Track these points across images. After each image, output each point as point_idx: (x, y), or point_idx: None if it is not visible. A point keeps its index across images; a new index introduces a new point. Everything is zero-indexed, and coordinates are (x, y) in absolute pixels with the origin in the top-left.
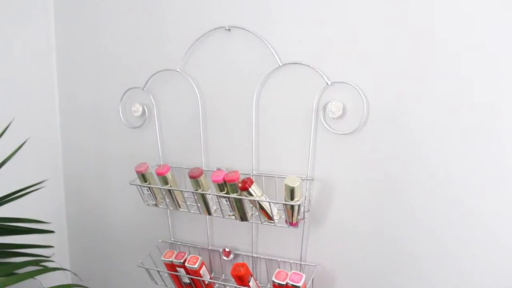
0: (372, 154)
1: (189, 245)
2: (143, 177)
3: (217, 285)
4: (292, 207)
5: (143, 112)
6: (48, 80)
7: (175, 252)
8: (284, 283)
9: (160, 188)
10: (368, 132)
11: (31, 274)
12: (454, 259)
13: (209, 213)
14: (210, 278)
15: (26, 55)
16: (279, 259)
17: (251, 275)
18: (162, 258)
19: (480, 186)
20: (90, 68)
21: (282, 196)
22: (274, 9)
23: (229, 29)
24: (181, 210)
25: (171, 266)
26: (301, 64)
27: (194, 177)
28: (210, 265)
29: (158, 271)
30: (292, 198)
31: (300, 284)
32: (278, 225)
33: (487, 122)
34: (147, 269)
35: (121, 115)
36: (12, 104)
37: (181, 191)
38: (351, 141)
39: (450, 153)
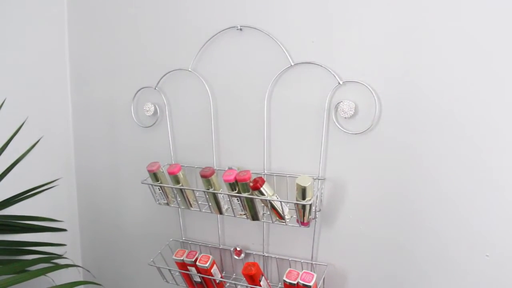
0: (384, 154)
1: (200, 244)
2: (154, 176)
3: (228, 284)
4: (304, 206)
5: (155, 112)
6: (61, 80)
7: (186, 251)
8: (295, 282)
9: (171, 187)
10: (380, 132)
11: (43, 271)
12: (467, 260)
13: (221, 212)
14: (221, 277)
15: (39, 55)
16: (290, 259)
17: (262, 275)
18: (173, 257)
19: (493, 186)
20: (103, 68)
21: (293, 195)
22: (286, 9)
23: (241, 29)
24: (192, 209)
25: (182, 265)
26: (313, 63)
27: (206, 177)
28: (221, 264)
29: (169, 270)
30: (303, 197)
31: (311, 284)
32: (289, 224)
33: (503, 122)
34: (158, 268)
35: (133, 115)
36: (25, 103)
37: (193, 190)
38: (363, 141)
39: (463, 153)
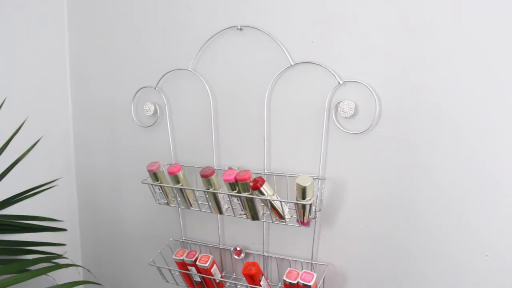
0: (384, 153)
1: (200, 243)
2: (154, 176)
3: (228, 284)
4: (304, 206)
5: (155, 111)
6: (61, 80)
7: (186, 251)
8: (295, 282)
9: (171, 187)
10: (380, 132)
11: (43, 271)
12: (466, 260)
13: (221, 212)
14: (221, 277)
15: (40, 55)
16: (290, 258)
17: (262, 274)
18: (173, 257)
19: (493, 186)
20: (103, 68)
21: (293, 195)
22: (286, 9)
23: (241, 29)
24: (192, 209)
25: (182, 265)
26: (313, 63)
27: (206, 176)
28: (221, 264)
29: (169, 270)
30: (303, 197)
31: (311, 284)
32: (289, 224)
33: (502, 122)
34: (158, 268)
35: (133, 114)
36: (26, 103)
37: (193, 190)
38: (363, 141)
39: (463, 153)
